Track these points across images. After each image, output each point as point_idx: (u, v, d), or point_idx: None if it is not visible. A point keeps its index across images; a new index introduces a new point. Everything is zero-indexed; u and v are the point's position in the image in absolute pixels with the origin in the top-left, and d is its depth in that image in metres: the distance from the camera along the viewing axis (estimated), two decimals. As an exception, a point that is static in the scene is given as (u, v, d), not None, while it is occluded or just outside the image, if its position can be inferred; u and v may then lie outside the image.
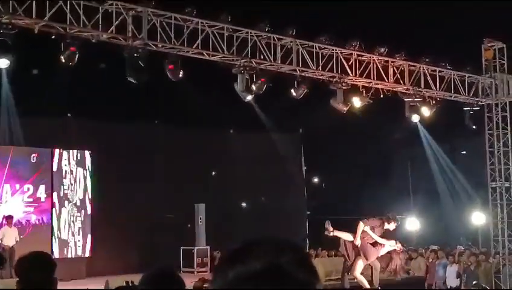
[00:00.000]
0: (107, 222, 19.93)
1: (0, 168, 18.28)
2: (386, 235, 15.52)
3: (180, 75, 14.60)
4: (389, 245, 15.43)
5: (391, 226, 15.50)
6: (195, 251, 20.94)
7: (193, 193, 21.35)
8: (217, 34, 15.09)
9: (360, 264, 15.15)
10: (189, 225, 21.93)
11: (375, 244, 15.22)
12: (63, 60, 13.30)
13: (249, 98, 15.77)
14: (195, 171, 21.33)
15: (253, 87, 15.62)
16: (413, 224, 23.85)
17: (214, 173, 23.09)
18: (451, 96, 18.38)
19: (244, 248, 1.75)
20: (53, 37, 13.24)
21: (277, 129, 22.22)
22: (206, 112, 19.29)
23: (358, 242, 15.12)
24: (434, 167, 22.89)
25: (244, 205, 23.55)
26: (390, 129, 21.40)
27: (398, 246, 15.65)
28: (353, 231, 15.37)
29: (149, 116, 20.70)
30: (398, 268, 16.03)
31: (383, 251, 15.41)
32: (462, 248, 20.02)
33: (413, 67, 17.79)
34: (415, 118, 17.78)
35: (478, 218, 22.24)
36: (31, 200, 18.88)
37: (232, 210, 22.51)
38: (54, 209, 19.21)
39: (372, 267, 15.52)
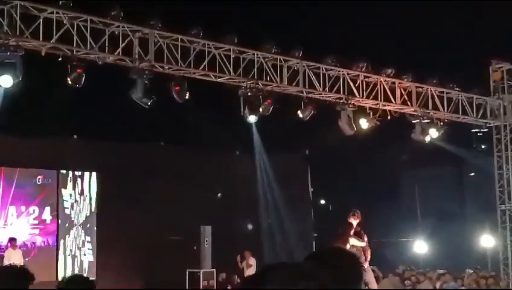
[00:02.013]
0: (112, 243, 19.79)
1: (5, 189, 18.20)
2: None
3: (186, 97, 14.56)
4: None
5: (354, 222, 14.94)
6: (201, 273, 20.75)
7: (199, 215, 21.22)
8: (223, 56, 15.08)
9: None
10: (194, 247, 21.75)
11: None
12: (70, 82, 13.29)
13: (253, 119, 15.70)
14: (201, 193, 21.20)
15: (260, 108, 15.57)
16: (420, 247, 23.62)
17: (219, 195, 22.96)
18: (459, 118, 18.28)
19: (262, 275, 1.73)
20: (60, 59, 13.25)
21: (283, 150, 22.12)
22: (212, 133, 19.22)
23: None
24: (442, 189, 22.72)
25: (250, 226, 23.39)
26: (398, 150, 21.27)
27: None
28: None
29: (155, 137, 20.64)
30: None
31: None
32: (471, 271, 19.76)
33: (420, 89, 17.73)
34: (424, 141, 17.67)
35: (487, 241, 22.01)
36: (36, 222, 18.77)
37: (238, 232, 22.34)
38: (59, 231, 19.09)
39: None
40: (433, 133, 17.75)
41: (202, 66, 14.76)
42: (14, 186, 18.34)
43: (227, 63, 15.09)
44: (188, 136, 19.93)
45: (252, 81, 15.42)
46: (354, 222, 14.78)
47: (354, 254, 3.27)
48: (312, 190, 24.33)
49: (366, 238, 14.65)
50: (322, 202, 25.68)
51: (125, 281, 19.58)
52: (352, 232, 14.54)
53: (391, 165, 22.50)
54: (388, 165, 22.35)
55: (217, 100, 16.37)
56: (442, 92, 18.02)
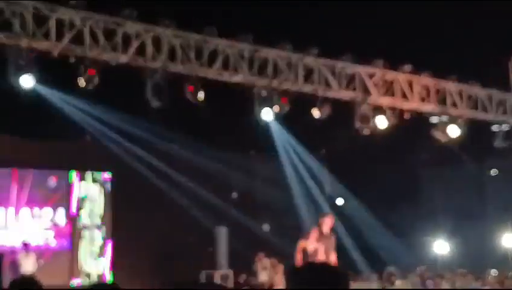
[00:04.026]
0: (127, 245, 19.69)
1: (19, 191, 18.11)
2: None
3: (201, 97, 14.36)
4: None
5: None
6: (217, 274, 20.60)
7: (214, 216, 21.07)
8: (237, 55, 14.84)
9: None
10: (210, 249, 21.62)
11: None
12: (83, 83, 13.12)
13: (268, 118, 15.45)
14: (216, 194, 21.06)
15: (274, 108, 15.34)
16: (441, 247, 23.29)
17: (235, 195, 22.78)
18: (479, 115, 17.91)
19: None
20: (72, 60, 13.08)
21: (299, 150, 21.87)
22: (227, 133, 19.04)
23: None
24: (463, 188, 22.40)
25: (266, 227, 23.17)
26: (417, 149, 20.96)
27: None
28: None
29: (169, 138, 20.49)
30: None
31: None
32: (494, 271, 19.45)
33: (439, 86, 17.38)
34: (444, 139, 17.34)
35: (508, 240, 21.68)
36: (50, 224, 18.66)
37: (253, 233, 22.15)
38: (73, 233, 18.98)
39: None
40: (453, 131, 17.39)
41: (216, 66, 14.55)
42: (27, 188, 18.24)
43: (241, 62, 14.86)
44: (203, 136, 19.76)
45: (266, 80, 15.19)
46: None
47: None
48: (329, 190, 24.06)
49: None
50: (340, 202, 25.40)
51: (141, 283, 19.46)
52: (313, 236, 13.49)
53: (411, 164, 22.20)
54: (408, 164, 22.05)
55: (232, 100, 16.15)
56: (461, 89, 17.68)
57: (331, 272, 2.79)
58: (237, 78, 15.01)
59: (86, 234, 19.22)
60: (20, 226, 18.09)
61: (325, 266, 2.89)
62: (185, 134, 20.09)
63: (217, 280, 20.33)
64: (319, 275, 2.73)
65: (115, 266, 19.53)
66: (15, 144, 18.06)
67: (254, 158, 22.97)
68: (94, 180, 19.53)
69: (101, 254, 19.41)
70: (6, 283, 13.75)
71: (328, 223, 12.82)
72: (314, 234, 12.68)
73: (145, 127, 18.39)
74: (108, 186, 19.73)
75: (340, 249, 22.21)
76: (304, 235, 13.15)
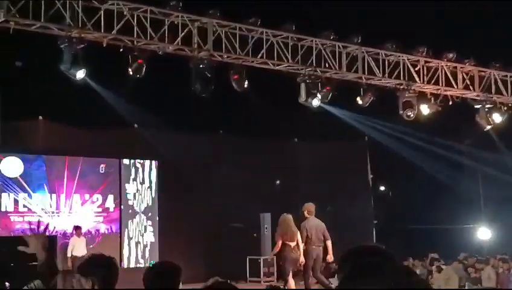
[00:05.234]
0: (173, 231, 20.06)
1: (70, 178, 18.65)
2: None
3: (245, 85, 14.62)
4: None
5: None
6: (261, 260, 20.89)
7: (258, 202, 21.30)
8: (281, 43, 15.06)
9: None
10: (254, 234, 21.89)
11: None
12: (131, 72, 13.51)
13: (316, 103, 15.62)
14: (260, 181, 21.27)
15: (318, 95, 15.52)
16: (484, 233, 23.17)
17: (278, 182, 22.98)
18: (523, 102, 17.81)
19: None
20: (121, 50, 13.47)
21: (342, 137, 21.97)
22: (271, 121, 19.24)
23: None
24: (506, 175, 22.18)
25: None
26: (460, 136, 20.88)
27: None
28: None
29: (214, 126, 20.79)
30: None
31: None
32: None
33: (483, 73, 17.33)
34: (488, 127, 17.30)
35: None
36: (100, 210, 19.19)
37: (297, 219, 22.34)
38: (122, 218, 19.49)
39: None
40: (497, 118, 17.34)
41: (260, 54, 14.78)
42: (78, 175, 18.78)
43: (285, 51, 15.07)
44: (247, 124, 20.00)
45: (310, 69, 15.37)
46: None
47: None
48: (372, 176, 24.11)
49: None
50: (382, 188, 25.43)
51: (187, 269, 19.75)
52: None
53: (453, 151, 22.11)
54: (450, 151, 21.96)
55: (276, 88, 16.37)
56: (506, 76, 17.58)
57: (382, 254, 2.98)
58: (281, 67, 15.23)
59: (134, 219, 19.71)
60: (71, 212, 18.67)
61: (376, 248, 3.08)
62: (230, 122, 20.37)
63: (261, 265, 20.65)
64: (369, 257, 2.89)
65: (161, 251, 19.94)
66: (67, 132, 18.58)
67: (297, 145, 23.13)
68: (141, 167, 19.98)
69: (148, 239, 19.86)
70: (59, 265, 14.32)
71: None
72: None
73: (191, 115, 18.71)
74: (155, 173, 20.15)
75: (382, 236, 22.37)
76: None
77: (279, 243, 13.53)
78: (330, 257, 13.77)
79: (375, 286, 1.70)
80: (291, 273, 13.49)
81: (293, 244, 13.50)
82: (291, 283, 13.49)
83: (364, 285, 1.71)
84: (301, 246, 13.52)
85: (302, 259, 13.45)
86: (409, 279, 1.76)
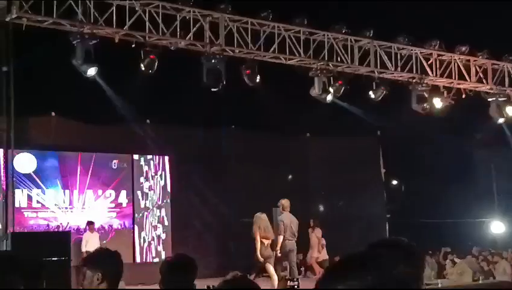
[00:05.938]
0: (186, 227, 20.10)
1: (83, 174, 18.72)
2: None
3: (257, 80, 14.61)
4: None
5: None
6: (273, 254, 20.86)
7: (270, 197, 21.26)
8: (293, 38, 15.03)
9: None
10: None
11: None
12: (143, 68, 13.54)
13: (329, 98, 15.62)
14: (272, 176, 21.25)
15: (331, 89, 15.49)
16: (498, 227, 23.08)
17: (290, 177, 22.96)
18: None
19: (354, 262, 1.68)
20: (133, 45, 13.49)
21: (355, 132, 21.90)
22: (283, 116, 19.20)
23: None
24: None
25: (322, 208, 23.33)
26: (473, 129, 20.77)
27: None
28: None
29: (226, 121, 20.77)
30: None
31: None
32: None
33: (496, 66, 17.24)
34: (501, 120, 17.21)
35: None
36: (113, 205, 19.26)
37: (310, 214, 22.33)
38: (135, 214, 19.54)
39: None
40: (510, 111, 17.25)
41: (272, 49, 14.77)
42: (91, 170, 18.84)
43: (297, 45, 15.05)
44: (259, 119, 19.96)
45: (322, 63, 15.33)
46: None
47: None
48: (384, 171, 24.04)
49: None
50: (395, 183, 25.35)
51: (199, 264, 19.75)
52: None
53: (466, 144, 22.00)
54: (463, 145, 21.85)
55: (288, 82, 16.34)
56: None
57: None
58: (293, 61, 15.21)
59: (146, 214, 19.76)
60: (84, 207, 18.74)
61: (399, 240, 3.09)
62: (242, 116, 20.34)
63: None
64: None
65: (174, 246, 19.99)
66: (79, 128, 18.64)
67: (310, 140, 23.09)
68: (154, 163, 20.02)
69: (161, 235, 19.92)
70: (73, 260, 14.37)
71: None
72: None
73: (203, 110, 18.70)
74: (168, 168, 20.19)
75: (395, 230, 22.29)
76: None
77: (258, 237, 13.89)
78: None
79: (353, 282, 1.63)
80: (272, 268, 14.02)
81: (266, 242, 13.94)
82: (275, 277, 14.14)
83: (343, 281, 1.63)
84: (280, 237, 14.00)
85: (278, 249, 14.01)
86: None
